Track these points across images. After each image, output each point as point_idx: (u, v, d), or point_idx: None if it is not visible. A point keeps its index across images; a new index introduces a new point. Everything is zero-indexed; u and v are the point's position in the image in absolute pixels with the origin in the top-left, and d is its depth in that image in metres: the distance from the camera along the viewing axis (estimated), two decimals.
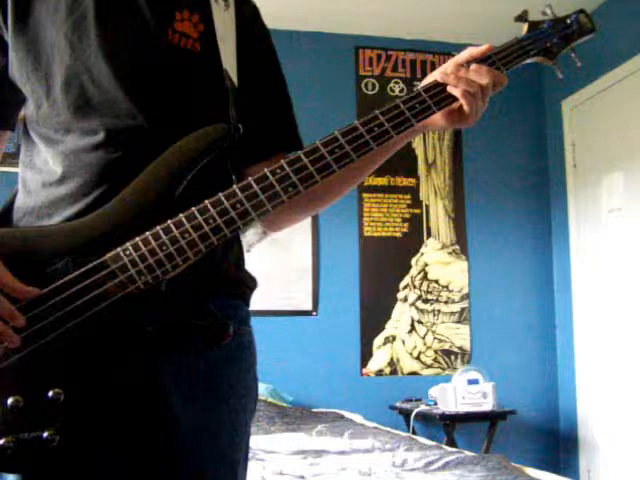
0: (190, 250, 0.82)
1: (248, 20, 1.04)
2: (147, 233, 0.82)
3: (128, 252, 0.81)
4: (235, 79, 0.97)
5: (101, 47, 0.91)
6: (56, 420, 0.77)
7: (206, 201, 0.84)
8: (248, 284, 1.00)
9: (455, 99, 0.95)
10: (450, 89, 0.95)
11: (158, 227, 0.83)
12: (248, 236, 3.71)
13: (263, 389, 3.27)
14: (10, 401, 0.77)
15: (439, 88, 0.95)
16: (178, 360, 0.89)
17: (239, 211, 0.84)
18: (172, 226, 0.83)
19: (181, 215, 0.83)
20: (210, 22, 0.97)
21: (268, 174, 0.86)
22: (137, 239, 0.82)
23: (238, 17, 1.02)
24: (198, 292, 0.87)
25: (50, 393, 0.78)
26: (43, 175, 0.92)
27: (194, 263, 0.85)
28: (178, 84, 0.94)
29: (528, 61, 1.03)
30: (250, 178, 0.86)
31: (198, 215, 0.83)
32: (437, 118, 0.98)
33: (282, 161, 0.87)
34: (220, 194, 0.85)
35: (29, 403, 0.77)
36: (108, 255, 0.81)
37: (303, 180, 0.86)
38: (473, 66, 0.96)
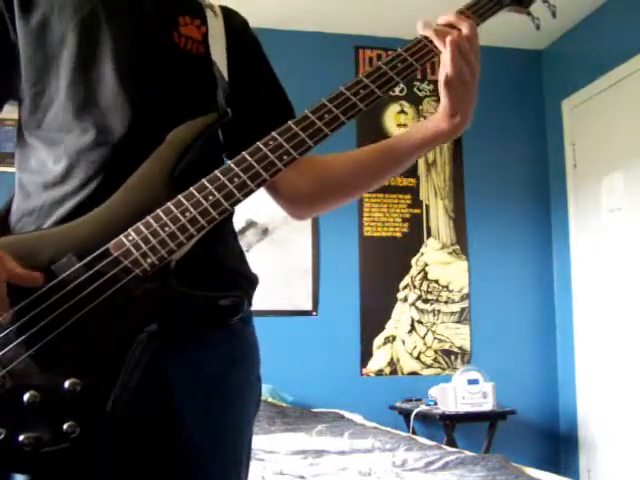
0: (192, 227, 0.83)
1: (237, 28, 1.09)
2: (148, 217, 0.83)
3: (131, 237, 0.82)
4: (225, 73, 1.01)
5: (110, 48, 0.93)
6: (75, 411, 0.77)
7: (203, 179, 0.86)
8: (251, 282, 1.01)
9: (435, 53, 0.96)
10: (436, 43, 0.96)
11: (158, 210, 0.83)
12: (248, 236, 3.71)
13: (263, 389, 3.26)
14: (27, 397, 0.76)
15: (420, 45, 0.96)
16: (187, 360, 0.89)
17: (237, 184, 0.85)
18: (172, 207, 0.84)
19: (179, 196, 0.85)
20: (206, 24, 1.02)
21: (261, 146, 0.88)
22: (138, 224, 0.83)
23: (227, 25, 1.06)
24: (199, 287, 0.88)
25: (67, 384, 0.77)
26: (43, 176, 0.92)
27: (195, 261, 0.85)
28: (183, 83, 0.97)
29: (503, 12, 1.03)
30: (243, 152, 0.88)
31: (196, 193, 0.85)
32: (439, 117, 0.99)
33: (273, 133, 0.89)
34: (216, 171, 0.86)
35: (46, 397, 0.77)
36: (110, 243, 0.82)
37: (296, 147, 0.88)
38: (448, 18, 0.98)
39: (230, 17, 1.09)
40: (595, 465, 3.64)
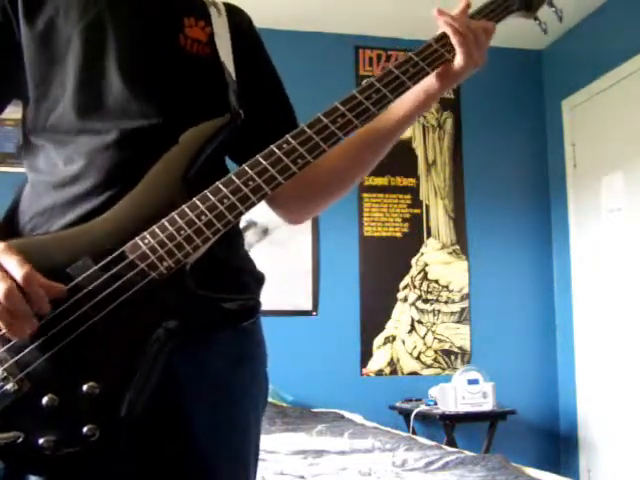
0: (208, 230, 0.83)
1: (242, 27, 1.08)
2: (163, 220, 0.83)
3: (147, 241, 0.82)
4: (233, 73, 1.01)
5: (116, 50, 0.93)
6: (94, 414, 0.77)
7: (217, 182, 0.86)
8: (258, 280, 1.01)
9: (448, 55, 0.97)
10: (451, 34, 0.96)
11: (173, 213, 0.83)
12: (248, 236, 3.71)
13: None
14: (45, 400, 0.76)
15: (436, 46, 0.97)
16: (195, 358, 0.89)
17: (251, 187, 0.85)
18: (187, 210, 0.84)
19: (195, 199, 0.85)
20: (211, 25, 1.02)
21: (275, 149, 0.88)
22: (154, 227, 0.83)
23: (231, 23, 1.06)
24: (212, 288, 0.88)
25: (85, 387, 0.77)
26: (52, 177, 0.92)
27: (205, 263, 0.85)
28: (189, 85, 0.97)
29: (511, 17, 1.05)
30: (258, 155, 0.87)
31: (211, 196, 0.84)
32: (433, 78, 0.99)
33: (287, 136, 0.89)
34: (231, 174, 0.86)
35: (64, 400, 0.77)
36: (126, 246, 0.82)
37: (310, 150, 0.88)
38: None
39: (234, 15, 1.08)
40: (595, 465, 3.64)
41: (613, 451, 3.51)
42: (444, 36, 0.97)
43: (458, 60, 0.96)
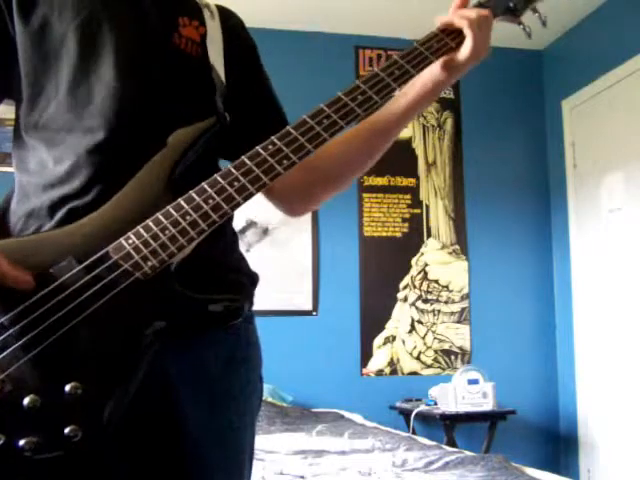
0: (193, 230, 0.83)
1: (235, 30, 1.09)
2: (147, 220, 0.83)
3: (131, 241, 0.82)
4: (222, 76, 1.01)
5: (110, 49, 0.93)
6: (77, 415, 0.76)
7: (203, 183, 0.86)
8: (252, 280, 1.01)
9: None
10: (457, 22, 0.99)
11: (158, 213, 0.83)
12: (248, 236, 3.71)
13: (263, 389, 3.26)
14: (27, 401, 0.75)
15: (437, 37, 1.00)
16: (189, 359, 0.89)
17: (237, 187, 0.86)
18: (172, 210, 0.84)
19: (180, 199, 0.85)
20: (204, 25, 1.02)
21: (260, 150, 0.88)
22: (138, 227, 0.83)
23: (224, 26, 1.06)
24: (202, 289, 0.87)
25: (67, 387, 0.76)
26: (42, 177, 0.92)
27: (196, 263, 0.85)
28: (182, 84, 0.97)
29: (495, 21, 1.06)
30: (243, 156, 0.88)
31: (196, 196, 0.84)
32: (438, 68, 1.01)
33: (272, 137, 0.89)
34: (216, 175, 0.86)
35: (47, 401, 0.76)
36: (110, 246, 0.81)
37: (296, 151, 0.89)
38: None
39: (227, 18, 1.09)
40: (595, 465, 3.64)
41: (613, 451, 3.51)
42: (446, 28, 1.00)
43: (465, 46, 0.98)
